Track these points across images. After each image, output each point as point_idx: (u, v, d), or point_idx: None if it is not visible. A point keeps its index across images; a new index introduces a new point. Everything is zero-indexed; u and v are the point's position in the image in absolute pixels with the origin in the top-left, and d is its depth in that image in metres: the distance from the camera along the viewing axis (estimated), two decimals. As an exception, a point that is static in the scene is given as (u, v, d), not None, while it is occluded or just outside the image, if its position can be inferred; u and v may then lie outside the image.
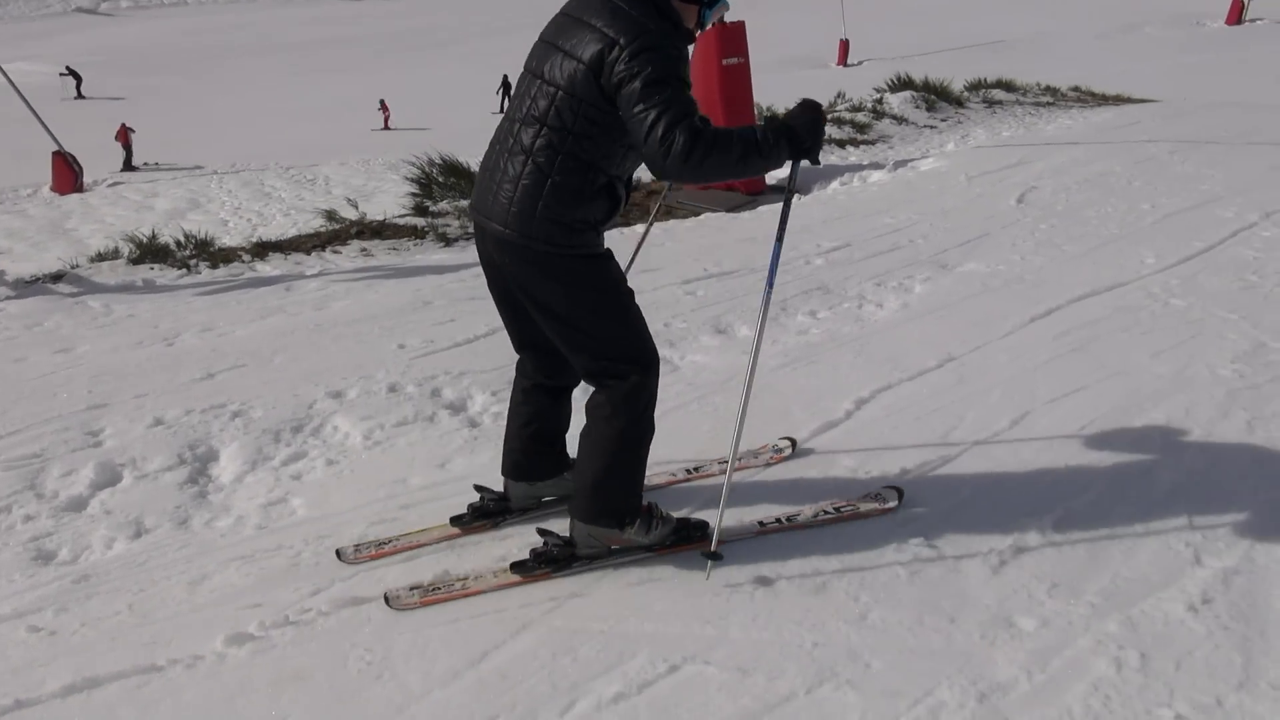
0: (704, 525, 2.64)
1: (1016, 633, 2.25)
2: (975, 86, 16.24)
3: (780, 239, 2.69)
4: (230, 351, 4.21)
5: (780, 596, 2.41)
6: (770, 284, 2.68)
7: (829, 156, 10.30)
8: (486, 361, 4.03)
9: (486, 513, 2.82)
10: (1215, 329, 4.21)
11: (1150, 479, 2.94)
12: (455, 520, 2.79)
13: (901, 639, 2.24)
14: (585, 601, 2.40)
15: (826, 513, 2.80)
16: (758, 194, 8.28)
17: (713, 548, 2.46)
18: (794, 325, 4.56)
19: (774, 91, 15.93)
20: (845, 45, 35.15)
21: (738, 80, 8.29)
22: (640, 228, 6.88)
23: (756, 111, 9.70)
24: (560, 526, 2.60)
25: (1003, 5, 59.35)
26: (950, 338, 4.26)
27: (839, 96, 15.52)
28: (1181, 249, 5.53)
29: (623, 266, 2.59)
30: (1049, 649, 2.19)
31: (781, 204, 2.63)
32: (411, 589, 2.46)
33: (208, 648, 2.22)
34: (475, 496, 2.83)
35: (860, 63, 34.00)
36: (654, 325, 4.42)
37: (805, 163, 2.43)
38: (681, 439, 3.32)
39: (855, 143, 11.44)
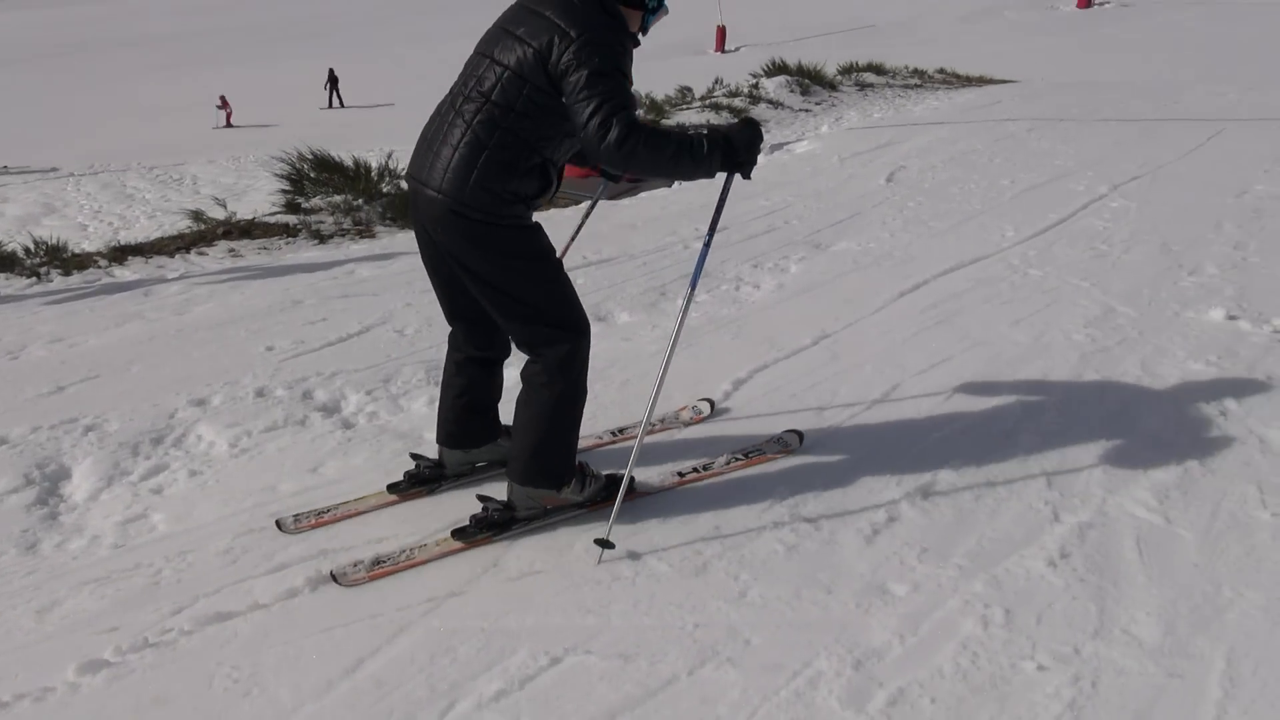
0: (631, 479, 2.69)
1: (890, 599, 2.31)
2: (847, 70, 16.66)
3: (708, 244, 2.77)
4: (82, 362, 3.97)
5: (662, 581, 2.41)
6: (693, 285, 2.76)
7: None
8: (360, 360, 3.91)
9: (422, 479, 2.90)
10: (1069, 296, 4.42)
11: (1012, 441, 3.06)
12: (392, 488, 2.85)
13: (780, 614, 2.27)
14: (464, 600, 2.35)
15: (737, 458, 2.99)
16: (638, 181, 8.30)
17: (607, 535, 2.50)
18: (673, 310, 4.57)
19: (655, 78, 15.99)
20: (722, 31, 35.49)
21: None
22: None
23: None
24: (496, 491, 2.65)
25: (872, -8, 60.96)
26: (824, 315, 4.35)
27: (717, 82, 15.69)
28: (1038, 221, 5.79)
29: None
30: (920, 612, 2.25)
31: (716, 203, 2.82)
32: (356, 564, 2.48)
33: (58, 678, 2.08)
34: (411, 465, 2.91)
35: (738, 49, 34.40)
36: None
37: (738, 176, 2.53)
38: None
39: (734, 127, 11.59)
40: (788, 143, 10.06)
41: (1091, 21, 42.67)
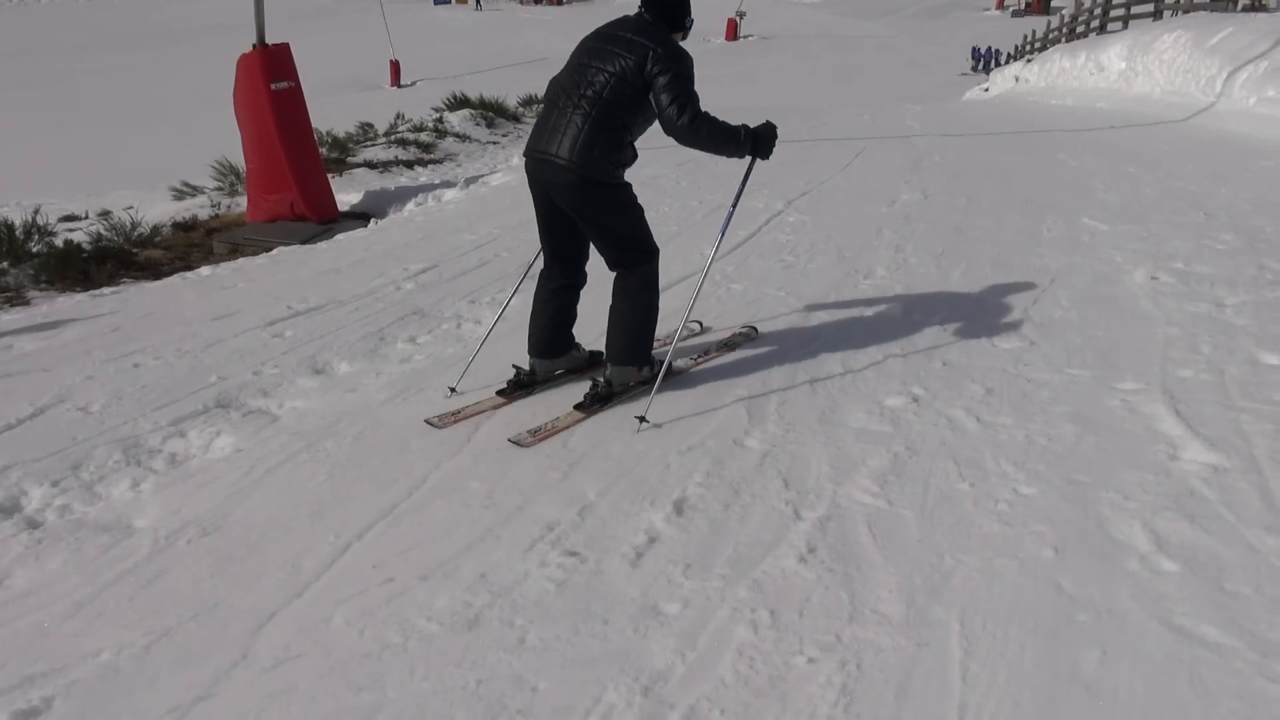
0: (669, 364, 3.65)
1: (664, 619, 2.35)
2: (529, 102, 16.99)
3: (732, 211, 3.90)
4: None
5: (434, 641, 2.30)
6: (723, 231, 3.88)
7: (399, 178, 10.17)
8: (38, 447, 3.39)
9: (522, 385, 3.85)
10: (770, 307, 4.78)
11: (745, 449, 3.24)
12: (501, 392, 3.81)
13: (562, 653, 2.24)
14: (212, 704, 2.10)
15: (725, 345, 4.22)
16: (332, 222, 7.92)
17: (645, 413, 3.45)
18: (395, 354, 4.41)
19: (333, 115, 15.36)
20: (396, 66, 34.88)
21: (291, 105, 7.81)
22: (203, 270, 6.28)
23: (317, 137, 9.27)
24: (563, 397, 3.70)
25: (537, 27, 62.78)
26: (551, 345, 4.38)
27: (399, 117, 15.38)
28: (730, 239, 6.21)
29: None
30: (695, 627, 2.32)
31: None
32: (531, 431, 3.43)
33: None
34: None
35: (414, 83, 33.92)
36: (241, 375, 4.07)
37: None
38: (300, 492, 3.05)
39: (423, 162, 11.40)
40: (483, 175, 10.07)
41: (740, 52, 46.76)
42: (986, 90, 23.95)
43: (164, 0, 63.28)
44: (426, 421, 3.54)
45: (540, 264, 3.89)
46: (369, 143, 12.90)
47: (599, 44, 3.46)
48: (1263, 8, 16.72)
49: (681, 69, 3.31)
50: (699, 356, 4.11)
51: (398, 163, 11.24)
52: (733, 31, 53.02)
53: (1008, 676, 2.10)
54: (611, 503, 2.93)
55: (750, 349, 4.21)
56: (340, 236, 7.37)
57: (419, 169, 11.04)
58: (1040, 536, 2.63)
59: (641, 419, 3.43)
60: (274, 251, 6.97)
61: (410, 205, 8.59)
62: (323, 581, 2.55)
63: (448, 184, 9.49)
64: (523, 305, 5.10)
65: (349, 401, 3.85)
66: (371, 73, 34.85)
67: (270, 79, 7.60)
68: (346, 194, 8.88)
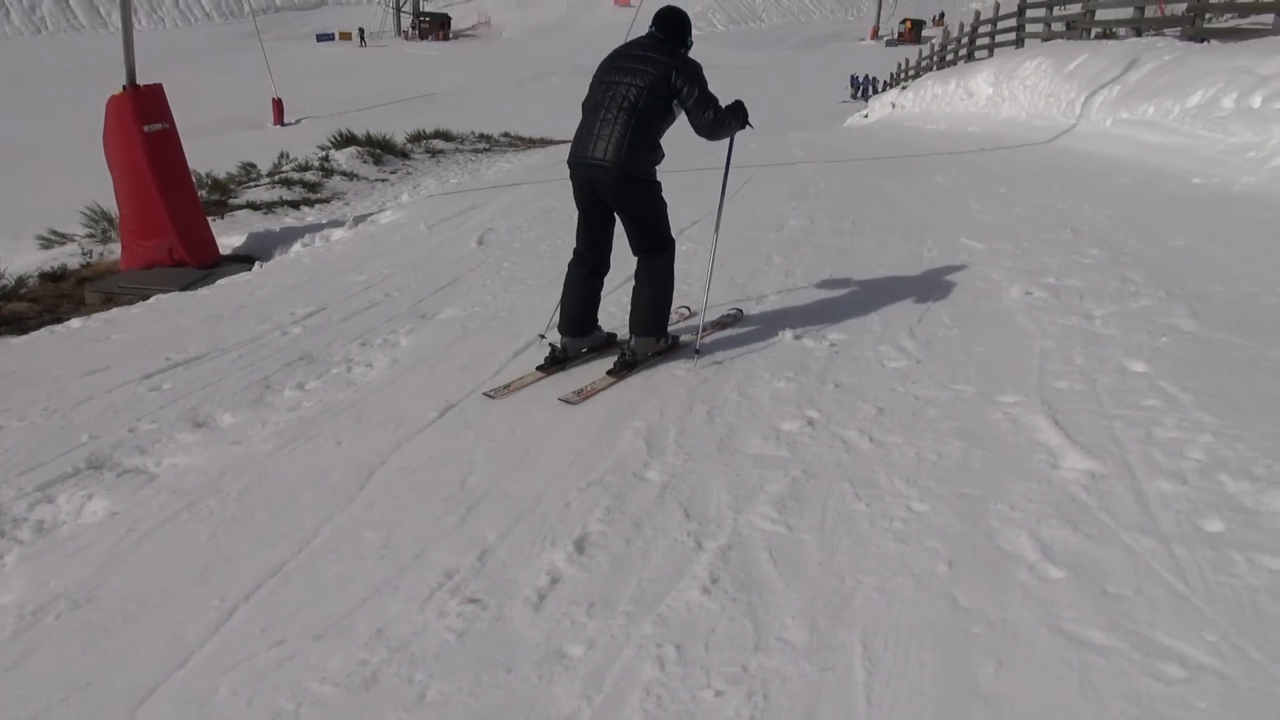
0: (683, 342, 4.57)
1: (569, 662, 2.31)
2: (417, 138, 16.84)
3: (725, 174, 4.83)
4: None
5: (329, 705, 2.20)
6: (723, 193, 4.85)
7: (285, 219, 9.91)
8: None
9: (557, 360, 4.43)
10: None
11: (645, 484, 3.23)
12: (540, 368, 4.41)
13: (465, 707, 2.17)
14: None
15: (717, 324, 4.94)
16: (214, 267, 7.64)
17: (697, 345, 4.44)
18: (283, 402, 4.25)
19: (215, 156, 14.96)
20: (279, 104, 34.11)
21: (165, 147, 7.53)
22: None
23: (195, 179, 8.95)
24: (586, 372, 4.35)
25: (423, 63, 62.43)
26: (445, 385, 4.30)
27: (283, 157, 15.04)
28: (624, 269, 6.18)
29: None
30: (600, 669, 2.28)
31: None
32: (570, 395, 4.07)
33: None
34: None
35: (298, 121, 33.24)
36: (116, 433, 3.86)
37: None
38: (182, 554, 2.89)
39: (310, 202, 11.13)
40: (371, 214, 9.89)
41: (629, 84, 47.43)
42: (866, 117, 24.85)
43: (29, 40, 60.55)
44: (485, 394, 4.16)
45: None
46: (252, 183, 12.54)
47: (624, 63, 4.09)
48: (1113, 35, 17.83)
49: (701, 79, 4.03)
50: (699, 332, 4.64)
51: (283, 203, 10.95)
52: (620, 64, 53.43)
53: (910, 695, 2.13)
54: (512, 545, 2.87)
55: (645, 381, 4.21)
56: (222, 281, 7.11)
57: (305, 209, 10.77)
58: (934, 552, 2.68)
59: (696, 351, 4.41)
60: (151, 300, 6.67)
61: (297, 246, 8.37)
62: (207, 650, 2.42)
63: (335, 223, 9.28)
64: (419, 345, 5.07)
65: (233, 454, 3.69)
66: (255, 111, 34.01)
67: (142, 121, 7.32)
68: (229, 237, 8.60)
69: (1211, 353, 4.04)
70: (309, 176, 12.49)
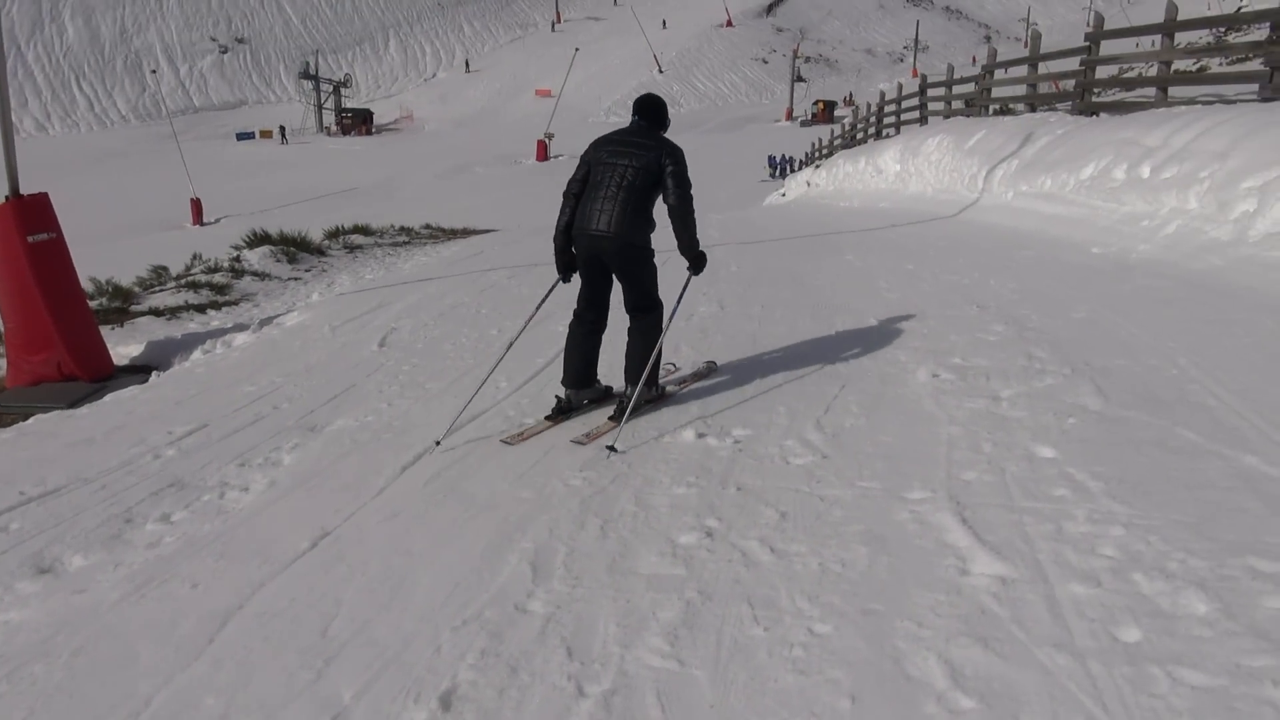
0: (667, 392, 5.16)
1: None
2: (334, 234, 16.57)
3: (677, 304, 5.09)
4: None
5: None
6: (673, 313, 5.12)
7: (189, 325, 9.50)
8: None
9: (563, 410, 4.89)
10: (564, 441, 4.56)
11: (526, 618, 2.94)
12: (548, 417, 4.86)
13: None
14: None
15: (695, 375, 5.53)
16: (107, 379, 7.21)
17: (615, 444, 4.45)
18: (143, 539, 3.87)
19: (128, 259, 14.52)
20: (198, 204, 33.68)
21: (51, 257, 7.15)
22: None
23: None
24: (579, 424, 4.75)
25: (346, 158, 62.62)
26: (323, 509, 3.97)
27: (195, 258, 14.64)
28: (528, 369, 6.01)
29: None
30: None
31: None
32: (584, 435, 4.58)
33: None
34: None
35: (218, 220, 32.85)
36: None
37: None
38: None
39: (217, 305, 10.74)
40: (278, 316, 9.54)
41: (551, 171, 48.02)
42: (784, 196, 25.38)
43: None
44: (502, 440, 4.60)
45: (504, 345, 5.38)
46: (159, 288, 12.11)
47: (618, 147, 4.69)
48: (1009, 111, 18.55)
49: (683, 162, 4.63)
50: (680, 384, 5.34)
51: (188, 308, 10.53)
52: (543, 152, 54.60)
53: None
54: (370, 704, 2.54)
55: (538, 493, 3.95)
56: (110, 396, 6.68)
57: (212, 313, 10.37)
58: (836, 685, 2.44)
59: (611, 449, 4.36)
60: (30, 420, 6.21)
61: (197, 353, 7.98)
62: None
63: (240, 327, 8.92)
64: (302, 463, 4.70)
65: (74, 606, 3.30)
66: (173, 212, 33.49)
67: (26, 231, 6.96)
68: (127, 346, 8.17)
69: (1118, 433, 3.94)
70: (218, 279, 12.09)
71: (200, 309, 10.47)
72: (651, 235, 4.72)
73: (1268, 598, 2.58)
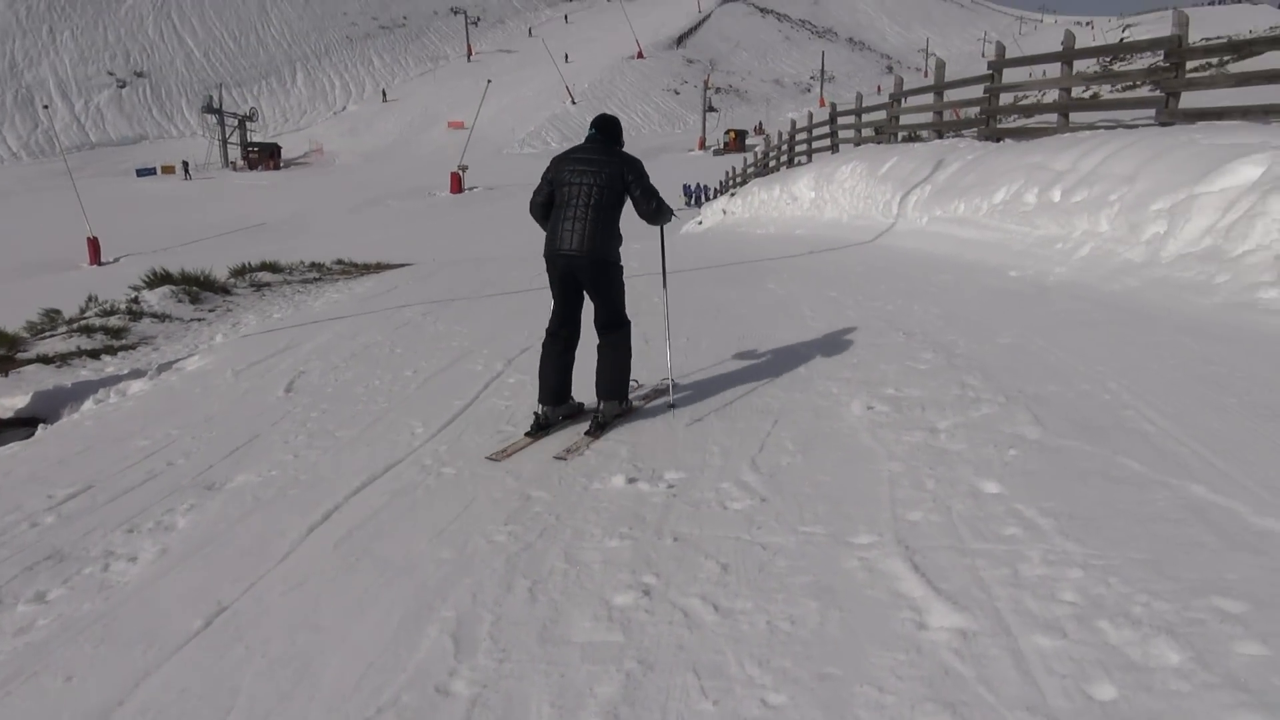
0: (634, 405, 5.33)
1: None
2: (240, 272, 15.94)
3: (663, 256, 6.00)
4: None
5: None
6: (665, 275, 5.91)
7: (81, 372, 8.90)
8: None
9: (541, 426, 5.01)
10: (485, 492, 4.26)
11: (448, 701, 2.64)
12: (528, 434, 4.99)
13: None
14: None
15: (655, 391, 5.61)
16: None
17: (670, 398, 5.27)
18: (13, 622, 3.43)
19: (16, 304, 13.73)
20: (95, 243, 32.26)
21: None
22: None
23: None
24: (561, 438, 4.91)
25: (253, 193, 61.07)
26: (221, 579, 3.60)
27: (90, 300, 13.87)
28: (445, 411, 5.69)
29: None
30: None
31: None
32: (563, 452, 4.69)
33: None
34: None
35: (117, 259, 31.50)
36: None
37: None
38: None
39: (112, 350, 10.09)
40: (178, 360, 8.99)
41: (466, 204, 47.53)
42: (701, 224, 25.45)
43: None
44: (488, 458, 4.70)
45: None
46: (50, 333, 11.39)
47: (578, 165, 4.88)
48: (918, 138, 18.95)
49: (644, 174, 4.92)
50: (643, 399, 5.54)
51: (81, 354, 9.88)
52: (458, 185, 54.04)
53: None
54: (270, 818, 2.22)
55: (459, 552, 3.64)
56: (-18, 453, 6.12)
57: (107, 358, 9.74)
58: (797, 766, 2.21)
59: (671, 405, 5.24)
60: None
61: (89, 403, 7.41)
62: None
63: (137, 373, 8.37)
64: (197, 527, 4.27)
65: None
66: (69, 252, 31.97)
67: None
68: (12, 397, 7.56)
69: (1061, 464, 3.83)
70: (114, 322, 11.43)
71: (94, 354, 9.83)
72: (620, 249, 4.95)
73: (1239, 643, 2.44)
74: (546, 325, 5.14)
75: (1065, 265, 8.05)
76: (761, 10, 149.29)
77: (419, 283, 13.85)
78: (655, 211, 4.93)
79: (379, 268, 18.89)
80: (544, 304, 10.16)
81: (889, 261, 10.61)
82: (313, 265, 18.42)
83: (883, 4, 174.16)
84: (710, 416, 5.10)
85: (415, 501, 4.23)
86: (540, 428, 4.99)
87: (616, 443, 4.80)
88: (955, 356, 5.73)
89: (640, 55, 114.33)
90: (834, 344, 6.45)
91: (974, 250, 9.81)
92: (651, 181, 4.93)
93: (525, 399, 5.85)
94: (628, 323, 5.11)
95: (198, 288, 13.93)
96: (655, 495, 4.02)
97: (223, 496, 4.63)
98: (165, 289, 13.48)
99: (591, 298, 5.00)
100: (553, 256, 4.88)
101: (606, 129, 5.02)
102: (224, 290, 14.35)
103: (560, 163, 4.96)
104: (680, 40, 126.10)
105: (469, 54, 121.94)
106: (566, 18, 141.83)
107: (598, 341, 5.08)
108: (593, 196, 4.76)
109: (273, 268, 17.04)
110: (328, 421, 5.81)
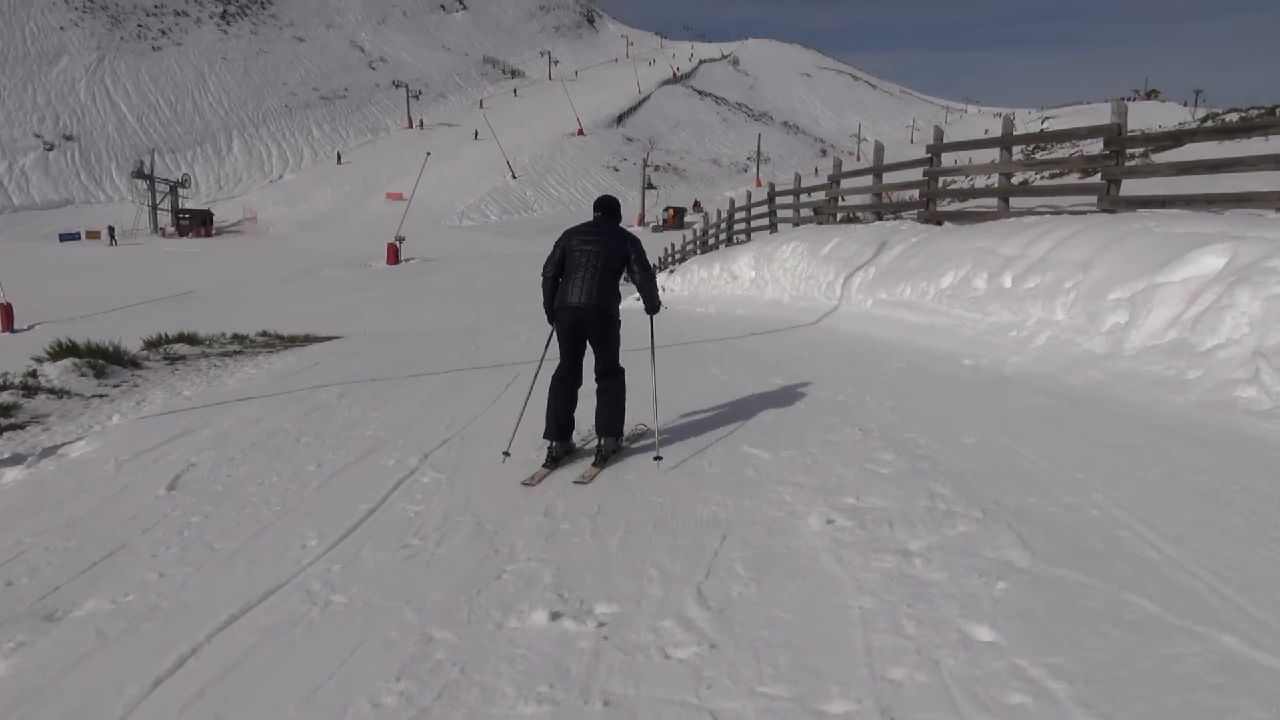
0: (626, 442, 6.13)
1: None
2: (154, 344, 14.95)
3: (653, 351, 6.50)
4: None
5: None
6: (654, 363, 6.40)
7: None
8: None
9: (555, 460, 5.71)
10: (379, 630, 3.54)
11: None
12: (545, 465, 5.65)
13: None
14: None
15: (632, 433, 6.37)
16: None
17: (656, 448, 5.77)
18: None
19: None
20: (8, 309, 30.77)
21: None
22: None
23: None
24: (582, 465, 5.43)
25: (182, 260, 59.57)
26: (27, 759, 2.82)
27: (-13, 373, 12.71)
28: (345, 518, 4.96)
29: None
30: None
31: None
32: (581, 477, 5.40)
33: None
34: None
35: (30, 327, 29.98)
36: None
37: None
38: None
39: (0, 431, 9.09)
40: (65, 444, 8.08)
41: (402, 275, 46.75)
42: (639, 300, 25.10)
43: None
44: (523, 483, 5.33)
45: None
46: (-71, 408, 10.28)
47: (587, 237, 5.67)
48: (857, 220, 18.91)
49: (642, 249, 5.73)
50: (633, 439, 6.26)
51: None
52: (394, 256, 53.35)
53: None
54: None
55: (332, 715, 2.92)
56: None
57: (-10, 441, 8.73)
58: None
59: (657, 459, 5.58)
60: None
61: (-52, 497, 6.47)
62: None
63: (17, 458, 7.44)
64: (19, 676, 3.42)
65: None
66: (-25, 321, 30.35)
67: None
68: None
69: (1060, 603, 3.26)
70: (5, 397, 10.39)
71: (-24, 437, 8.82)
72: (619, 306, 5.68)
73: None
74: (554, 373, 5.80)
75: (1021, 354, 7.68)
76: (700, 93, 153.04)
77: (343, 359, 13.07)
78: (648, 281, 5.80)
79: (305, 340, 18.01)
80: (473, 387, 9.58)
81: (835, 345, 10.19)
82: (235, 337, 17.49)
83: (816, 90, 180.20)
84: (649, 527, 4.47)
85: (292, 643, 3.49)
86: (554, 459, 5.69)
87: (540, 563, 4.11)
88: (918, 459, 5.20)
89: (581, 132, 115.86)
90: (784, 440, 5.88)
91: (923, 335, 9.44)
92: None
93: (439, 503, 5.15)
94: (622, 371, 5.81)
95: (104, 360, 12.89)
96: (583, 637, 3.34)
97: (61, 631, 3.82)
98: (68, 362, 12.44)
99: (593, 346, 5.71)
100: (563, 309, 5.62)
101: (609, 209, 5.94)
102: (133, 364, 13.34)
103: (571, 235, 5.76)
104: (620, 119, 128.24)
105: (409, 125, 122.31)
106: (515, 91, 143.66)
107: (596, 387, 5.75)
108: (599, 262, 5.57)
109: (190, 339, 16.08)
110: (208, 529, 5.02)
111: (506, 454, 5.80)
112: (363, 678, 3.15)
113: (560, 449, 5.74)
